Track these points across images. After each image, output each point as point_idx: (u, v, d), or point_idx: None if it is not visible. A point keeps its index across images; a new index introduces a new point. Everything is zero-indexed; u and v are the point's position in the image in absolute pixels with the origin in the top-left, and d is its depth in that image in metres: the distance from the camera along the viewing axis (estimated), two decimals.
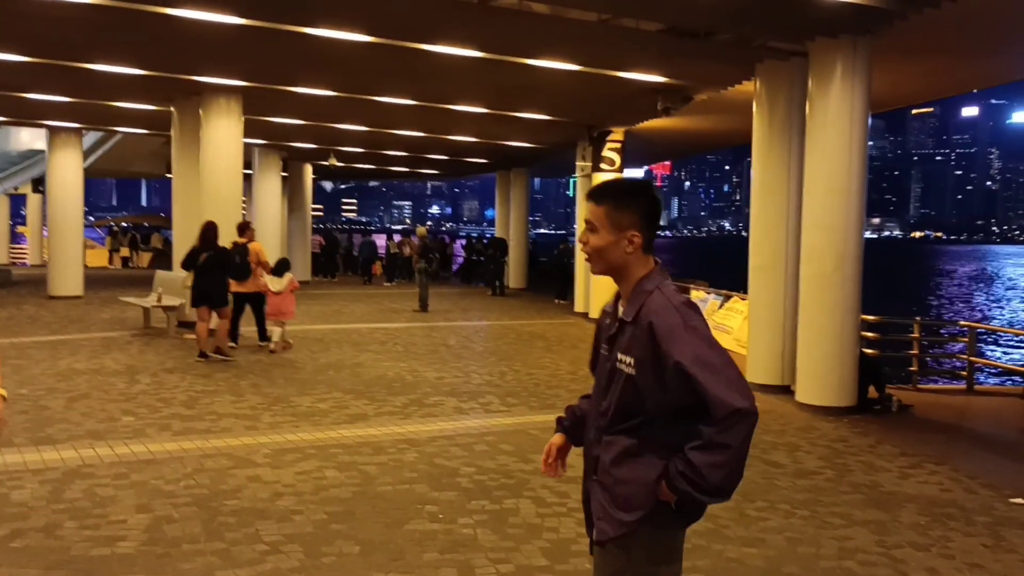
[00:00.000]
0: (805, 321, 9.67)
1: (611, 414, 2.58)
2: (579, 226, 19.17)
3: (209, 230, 11.61)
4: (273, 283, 12.35)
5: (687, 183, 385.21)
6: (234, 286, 11.94)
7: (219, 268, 11.51)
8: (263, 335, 12.55)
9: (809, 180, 9.62)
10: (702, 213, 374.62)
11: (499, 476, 6.47)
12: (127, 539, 4.96)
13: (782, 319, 10.47)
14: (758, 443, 7.77)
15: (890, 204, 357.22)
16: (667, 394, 2.45)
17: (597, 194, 2.64)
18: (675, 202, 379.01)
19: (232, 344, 12.14)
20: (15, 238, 37.74)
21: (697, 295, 16.55)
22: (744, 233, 11.22)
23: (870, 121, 9.60)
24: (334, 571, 4.61)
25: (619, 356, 2.57)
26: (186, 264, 11.64)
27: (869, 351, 10.59)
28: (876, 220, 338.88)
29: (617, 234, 2.58)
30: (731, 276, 16.84)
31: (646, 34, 9.88)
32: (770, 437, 8.07)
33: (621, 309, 2.63)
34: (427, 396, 9.43)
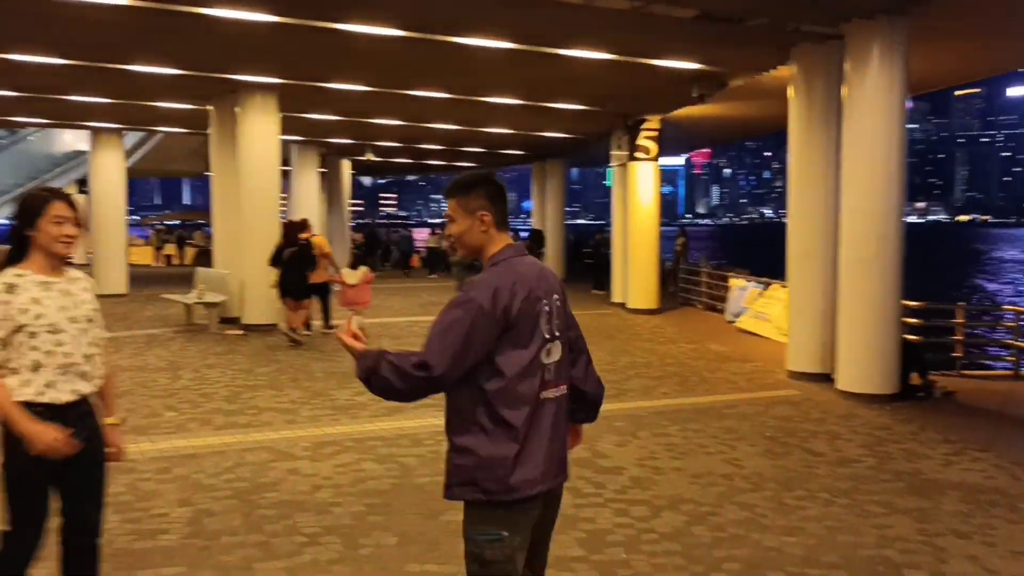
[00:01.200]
0: (845, 308, 9.54)
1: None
2: (616, 217, 19.10)
3: (292, 229, 12.64)
4: (349, 276, 13.28)
5: (727, 170, 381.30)
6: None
7: (301, 263, 12.46)
8: (329, 321, 13.30)
9: (847, 165, 9.48)
10: (742, 200, 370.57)
11: None
12: (169, 532, 5.06)
13: (822, 306, 10.35)
14: (797, 431, 7.71)
15: (935, 188, 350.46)
16: None
17: (448, 191, 2.96)
18: (715, 189, 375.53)
19: (306, 331, 12.93)
20: None
21: (736, 283, 16.41)
22: (785, 220, 11.08)
23: (910, 103, 9.44)
24: (372, 562, 4.66)
25: None
26: (273, 261, 12.59)
27: (911, 337, 10.42)
28: (921, 204, 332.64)
29: (470, 218, 2.89)
30: (772, 263, 16.64)
31: (679, 21, 9.78)
32: (810, 425, 7.99)
33: None
34: None
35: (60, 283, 3.31)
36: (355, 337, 2.80)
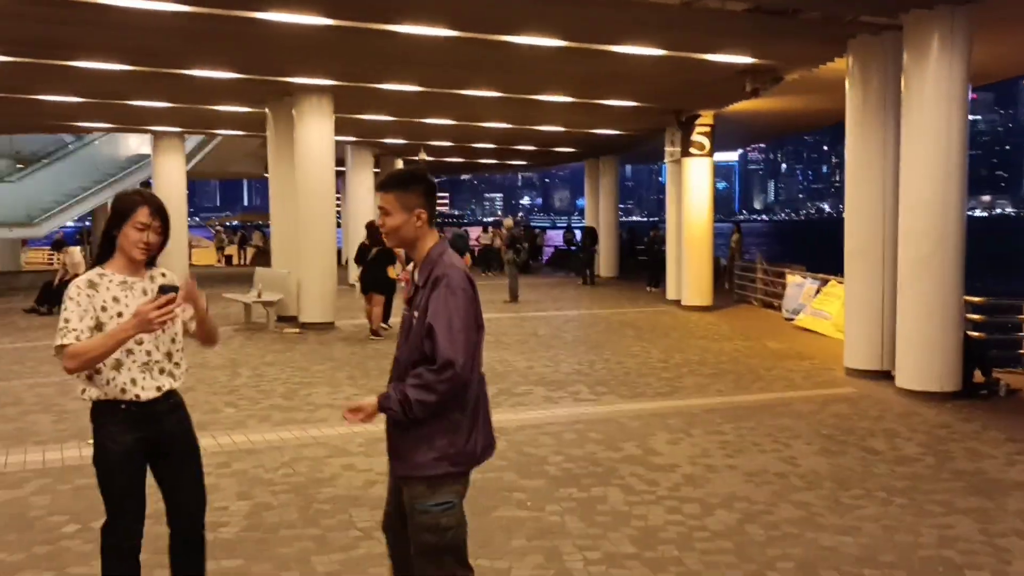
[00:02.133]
0: (904, 304, 9.35)
1: (404, 364, 3.10)
2: (670, 213, 18.96)
3: (375, 228, 12.72)
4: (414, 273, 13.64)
5: (784, 165, 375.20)
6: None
7: (383, 261, 13.28)
8: (388, 319, 13.91)
9: (906, 159, 9.28)
10: (800, 195, 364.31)
11: (587, 464, 6.50)
12: (228, 525, 5.19)
13: (880, 303, 10.16)
14: (854, 430, 7.58)
15: (1001, 180, 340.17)
16: (421, 339, 3.00)
17: (385, 184, 3.15)
18: (771, 185, 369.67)
19: (385, 325, 13.60)
20: None
21: (792, 279, 16.17)
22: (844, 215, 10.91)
23: (973, 94, 9.20)
24: None
25: (414, 313, 3.10)
26: (358, 259, 13.65)
27: (974, 334, 10.17)
28: (986, 198, 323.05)
29: (407, 214, 3.11)
30: (830, 260, 16.35)
31: (732, 15, 9.67)
32: (867, 423, 7.85)
33: (418, 277, 3.16)
34: (516, 385, 9.51)
35: (141, 282, 3.39)
36: (355, 410, 3.08)
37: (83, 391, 3.35)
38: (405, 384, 2.98)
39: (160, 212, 3.36)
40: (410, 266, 3.31)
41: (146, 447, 3.39)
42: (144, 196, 3.39)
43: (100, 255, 3.37)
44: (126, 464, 3.34)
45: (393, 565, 3.38)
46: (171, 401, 3.46)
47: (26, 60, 11.86)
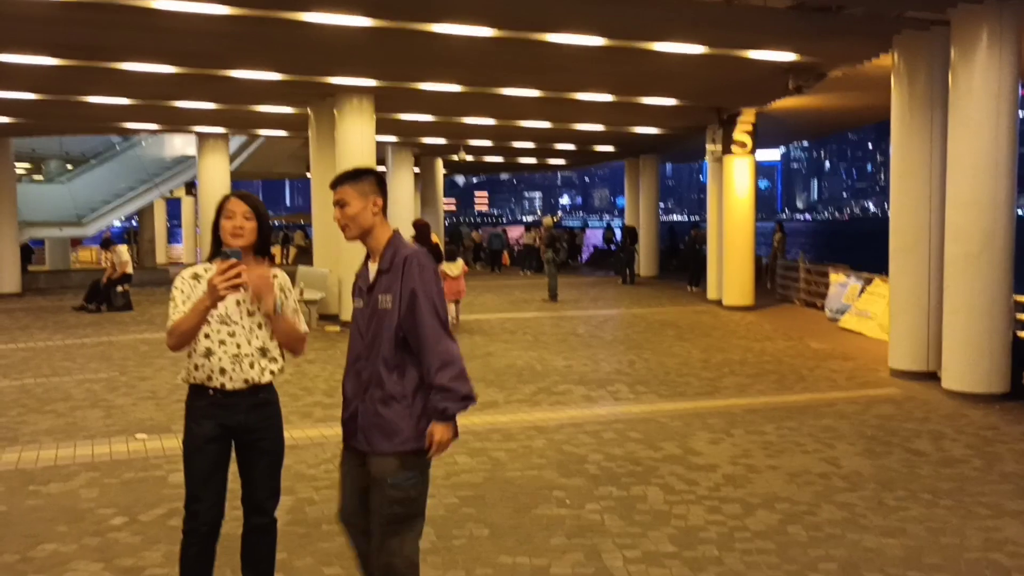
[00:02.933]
0: (951, 304, 9.19)
1: (371, 350, 3.29)
2: (711, 213, 18.83)
3: (423, 228, 13.55)
4: (450, 268, 14.48)
5: (827, 163, 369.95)
6: None
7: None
8: None
9: (953, 156, 9.13)
10: (844, 194, 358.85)
11: (627, 463, 6.48)
12: None
13: (926, 302, 10.00)
14: (899, 431, 7.48)
15: None
16: (399, 318, 3.23)
17: (339, 180, 3.34)
18: (815, 183, 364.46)
19: None
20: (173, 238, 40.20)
21: (836, 278, 15.97)
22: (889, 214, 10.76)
23: (1022, 91, 9.02)
24: (464, 553, 4.75)
25: (379, 298, 3.28)
26: None
27: (1023, 333, 9.96)
28: None
29: (364, 201, 3.30)
30: (875, 259, 16.11)
31: (774, 12, 9.58)
32: (912, 424, 7.73)
33: (372, 268, 3.36)
34: (556, 384, 9.52)
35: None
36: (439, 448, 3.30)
37: (182, 374, 3.55)
38: (445, 383, 3.20)
39: (246, 200, 3.52)
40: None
41: (228, 436, 3.52)
42: (233, 191, 3.61)
43: (211, 254, 3.52)
44: (206, 449, 3.48)
45: (358, 554, 3.53)
46: (260, 396, 3.55)
47: (76, 63, 12.11)
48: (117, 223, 37.64)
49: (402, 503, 3.27)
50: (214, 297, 3.29)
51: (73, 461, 6.60)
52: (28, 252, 27.13)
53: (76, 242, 34.49)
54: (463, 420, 7.87)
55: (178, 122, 20.11)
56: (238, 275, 3.29)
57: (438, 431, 3.24)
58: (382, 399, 3.27)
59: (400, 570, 3.31)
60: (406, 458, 3.27)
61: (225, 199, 3.53)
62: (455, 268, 14.65)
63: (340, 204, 3.31)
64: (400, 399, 3.26)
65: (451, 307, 14.96)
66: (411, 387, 3.28)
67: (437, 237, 14.93)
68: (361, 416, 3.33)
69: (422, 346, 3.22)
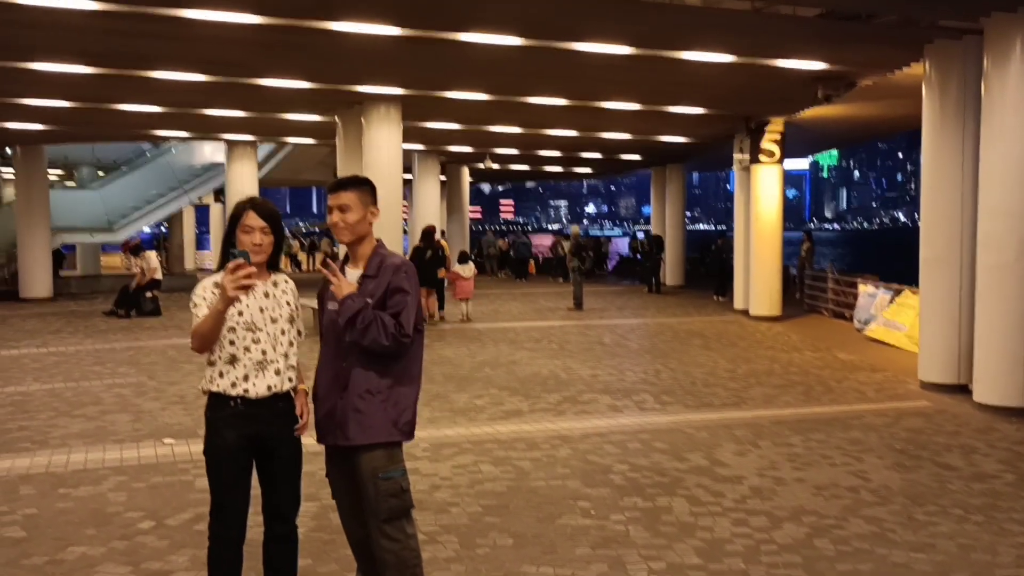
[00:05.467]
0: (984, 315, 9.06)
1: (351, 348, 3.49)
2: (738, 222, 18.71)
3: (430, 233, 15.52)
4: (463, 270, 16.12)
5: (856, 172, 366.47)
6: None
7: (436, 261, 15.35)
8: (442, 311, 16.14)
9: (986, 165, 9.01)
10: (874, 204, 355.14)
11: (652, 474, 6.44)
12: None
13: (957, 313, 9.86)
14: (929, 444, 7.38)
15: None
16: (377, 305, 3.44)
17: (343, 185, 3.54)
18: (844, 193, 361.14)
19: (441, 313, 16.03)
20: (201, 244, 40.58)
21: (865, 289, 15.80)
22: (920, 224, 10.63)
23: None
24: (488, 562, 4.74)
25: (367, 300, 3.43)
26: (415, 260, 14.55)
27: None
28: None
29: (363, 209, 3.54)
30: (905, 269, 15.93)
31: (803, 20, 9.53)
32: (943, 438, 7.62)
33: (352, 271, 3.60)
34: (581, 393, 9.48)
35: (262, 286, 3.55)
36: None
37: (203, 383, 3.56)
38: (376, 311, 3.42)
39: (265, 214, 3.51)
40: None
41: (251, 444, 3.53)
42: (251, 201, 3.58)
43: (221, 262, 3.51)
44: (230, 458, 3.51)
45: (358, 555, 3.80)
46: (279, 406, 3.56)
47: (109, 72, 12.28)
48: (147, 229, 38.00)
49: (396, 495, 3.49)
50: (226, 299, 3.31)
51: (102, 465, 6.66)
52: (60, 257, 27.48)
53: (125, 247, 34.93)
54: (488, 428, 7.86)
55: (208, 130, 20.32)
56: (247, 276, 3.31)
57: (346, 286, 3.45)
58: (360, 394, 3.49)
59: (410, 561, 3.53)
60: (390, 449, 3.51)
61: (242, 209, 3.50)
62: (467, 270, 16.14)
63: (342, 208, 3.50)
64: (376, 393, 3.50)
65: (462, 305, 16.21)
66: (387, 383, 3.52)
67: (444, 242, 16.58)
68: (339, 412, 3.51)
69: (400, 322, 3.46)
